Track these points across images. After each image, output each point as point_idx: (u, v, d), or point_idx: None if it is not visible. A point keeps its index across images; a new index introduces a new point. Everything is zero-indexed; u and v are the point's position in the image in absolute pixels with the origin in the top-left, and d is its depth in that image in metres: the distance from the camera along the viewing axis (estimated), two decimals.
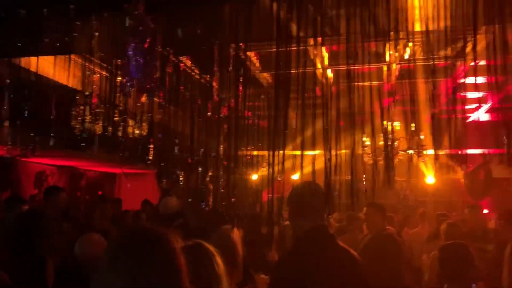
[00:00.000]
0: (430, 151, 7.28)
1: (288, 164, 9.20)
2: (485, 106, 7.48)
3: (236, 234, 2.66)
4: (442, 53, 5.50)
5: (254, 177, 9.85)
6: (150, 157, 5.83)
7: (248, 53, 6.11)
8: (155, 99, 4.68)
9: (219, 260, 1.84)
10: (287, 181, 9.01)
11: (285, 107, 7.11)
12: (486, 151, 7.25)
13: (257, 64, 6.36)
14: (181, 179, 6.47)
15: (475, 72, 5.50)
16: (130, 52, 3.17)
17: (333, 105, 6.53)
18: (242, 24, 4.16)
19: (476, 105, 7.54)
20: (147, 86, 3.18)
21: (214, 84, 5.65)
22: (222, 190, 5.84)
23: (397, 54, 5.38)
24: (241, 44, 5.52)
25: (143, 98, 3.46)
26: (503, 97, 6.82)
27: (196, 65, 5.35)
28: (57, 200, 4.40)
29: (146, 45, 3.20)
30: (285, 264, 2.31)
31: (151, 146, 5.46)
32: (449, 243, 3.10)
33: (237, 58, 4.70)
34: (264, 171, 10.08)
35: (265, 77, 6.73)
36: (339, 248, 2.25)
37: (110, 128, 5.45)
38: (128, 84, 3.25)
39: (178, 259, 1.20)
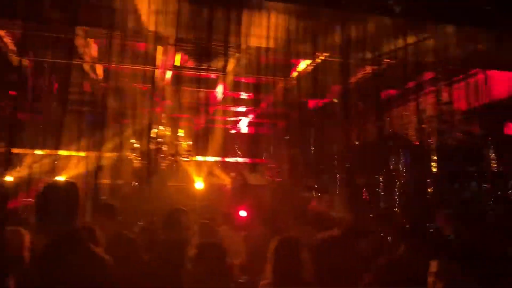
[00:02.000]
0: (198, 157, 7.66)
1: (48, 165, 8.29)
2: (246, 119, 8.34)
3: None
4: (209, 65, 5.84)
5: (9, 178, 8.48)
6: None
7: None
8: None
9: None
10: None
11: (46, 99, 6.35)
12: (246, 160, 8.08)
13: (11, 46, 5.47)
14: None
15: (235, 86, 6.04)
16: None
17: (103, 104, 6.17)
18: None
19: (239, 118, 8.34)
20: None
21: None
22: None
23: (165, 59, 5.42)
24: None
25: None
26: (260, 113, 7.76)
27: None
28: None
29: None
30: (34, 271, 2.04)
31: None
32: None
33: None
34: (21, 172, 8.81)
35: (22, 62, 5.85)
36: (90, 252, 2.06)
37: None
38: None
39: None
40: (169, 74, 5.75)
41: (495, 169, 4.85)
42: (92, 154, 6.78)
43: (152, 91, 5.65)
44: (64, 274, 1.90)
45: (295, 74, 5.87)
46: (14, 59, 5.70)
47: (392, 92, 5.44)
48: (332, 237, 4.55)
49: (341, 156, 6.23)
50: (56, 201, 2.07)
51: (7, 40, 5.38)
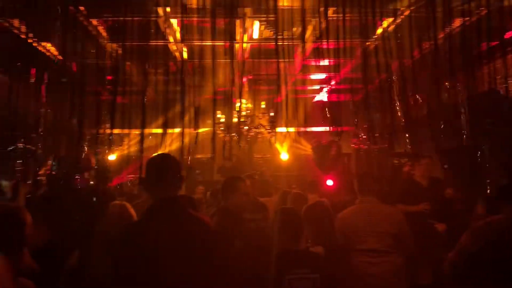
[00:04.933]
0: (281, 129, 7.72)
1: (148, 142, 8.96)
2: (328, 87, 8.17)
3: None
4: (288, 33, 5.78)
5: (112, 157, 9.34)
6: None
7: (93, 21, 5.66)
8: None
9: None
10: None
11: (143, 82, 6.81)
12: (330, 128, 7.94)
13: (104, 33, 5.93)
14: None
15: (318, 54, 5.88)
16: None
17: (190, 82, 6.46)
18: None
19: (320, 86, 8.19)
20: None
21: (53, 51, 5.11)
22: None
23: (243, 32, 5.48)
24: (81, 8, 5.07)
25: None
26: (342, 79, 7.53)
27: (29, 29, 4.73)
28: None
29: None
30: (133, 230, 2.25)
31: None
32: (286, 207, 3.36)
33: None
34: (122, 150, 9.63)
35: (114, 48, 6.32)
36: (191, 217, 2.25)
37: None
38: None
39: None
40: (248, 48, 5.82)
41: None
42: (186, 131, 7.19)
43: (235, 66, 5.77)
44: (163, 233, 2.08)
45: (377, 34, 5.60)
46: (108, 45, 6.18)
47: (490, 44, 4.93)
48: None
49: (433, 116, 5.83)
50: (163, 170, 2.29)
51: (100, 28, 5.84)
